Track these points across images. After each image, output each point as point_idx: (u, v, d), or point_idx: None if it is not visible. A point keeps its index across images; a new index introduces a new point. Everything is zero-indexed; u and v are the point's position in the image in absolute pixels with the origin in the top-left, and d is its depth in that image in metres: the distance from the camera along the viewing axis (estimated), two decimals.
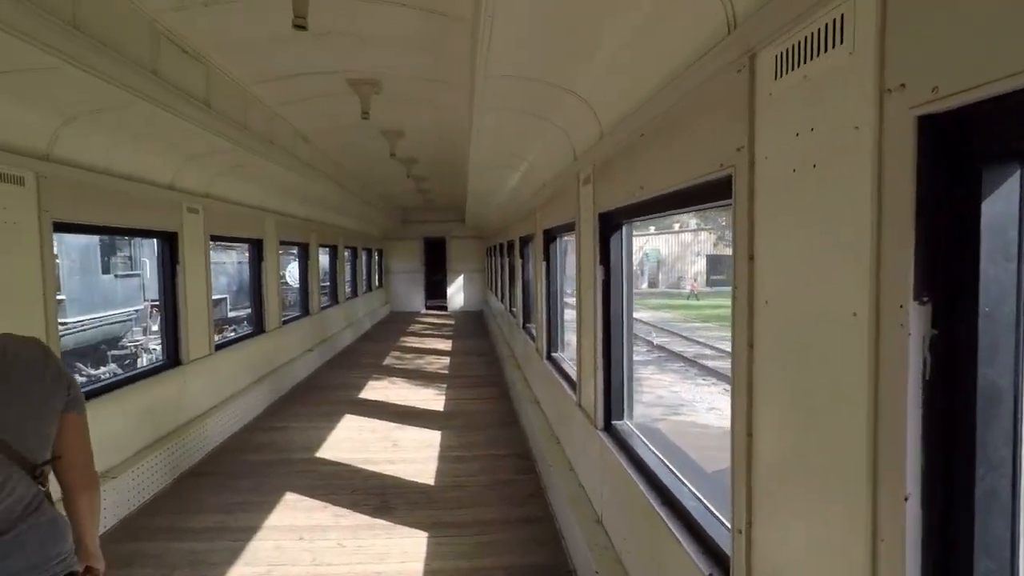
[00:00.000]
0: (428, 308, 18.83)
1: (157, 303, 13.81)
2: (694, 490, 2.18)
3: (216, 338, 6.19)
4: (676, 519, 2.11)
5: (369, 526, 3.98)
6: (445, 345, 12.03)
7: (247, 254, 14.50)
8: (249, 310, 14.67)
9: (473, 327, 14.88)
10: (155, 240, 5.44)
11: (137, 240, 13.94)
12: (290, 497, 4.48)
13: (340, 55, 4.32)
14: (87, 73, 2.85)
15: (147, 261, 14.49)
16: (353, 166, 8.71)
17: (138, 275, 14.54)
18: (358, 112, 5.13)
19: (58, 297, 5.42)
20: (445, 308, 18.66)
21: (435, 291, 19.07)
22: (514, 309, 9.07)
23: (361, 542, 3.78)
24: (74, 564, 1.39)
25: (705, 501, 2.09)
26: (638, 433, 2.92)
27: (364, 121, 5.27)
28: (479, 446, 5.60)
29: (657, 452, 2.64)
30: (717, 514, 1.99)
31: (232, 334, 12.20)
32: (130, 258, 15.03)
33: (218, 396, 6.02)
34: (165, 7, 3.28)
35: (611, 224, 3.15)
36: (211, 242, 5.87)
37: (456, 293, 18.87)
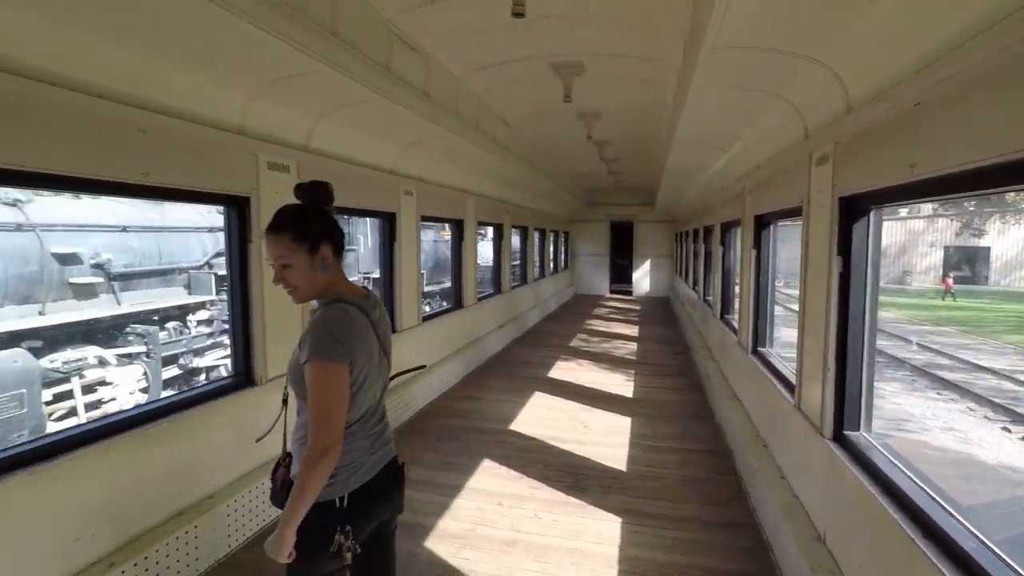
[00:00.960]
0: (612, 292, 18.70)
1: (367, 275, 15.75)
2: (971, 528, 1.80)
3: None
4: (946, 559, 1.76)
5: (563, 503, 4.08)
6: (631, 330, 11.83)
7: (440, 234, 15.74)
8: (440, 286, 16.03)
9: (660, 313, 14.43)
10: (369, 220, 6.07)
11: (353, 219, 15.93)
12: (488, 464, 4.78)
13: (546, 40, 4.36)
14: (342, 74, 3.24)
15: (361, 238, 16.42)
16: (547, 149, 8.88)
17: (353, 250, 16.52)
18: (558, 96, 5.17)
19: None
20: (630, 293, 18.36)
21: (620, 275, 18.82)
22: (709, 298, 8.55)
23: (556, 517, 3.88)
24: None
25: (990, 543, 1.71)
26: (881, 449, 2.52)
27: (563, 105, 5.31)
28: (672, 438, 5.39)
29: (911, 473, 2.24)
30: (1011, 562, 1.62)
31: (427, 308, 13.40)
32: (347, 235, 17.17)
33: (423, 361, 6.62)
34: (397, 8, 3.59)
35: (856, 210, 2.73)
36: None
37: (642, 278, 18.43)
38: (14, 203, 8.00)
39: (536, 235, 13.63)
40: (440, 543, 3.56)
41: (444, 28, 4.02)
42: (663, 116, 6.14)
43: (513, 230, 11.45)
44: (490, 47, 4.49)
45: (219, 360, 11.20)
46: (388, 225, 5.86)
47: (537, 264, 14.07)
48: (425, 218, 6.55)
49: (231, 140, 3.48)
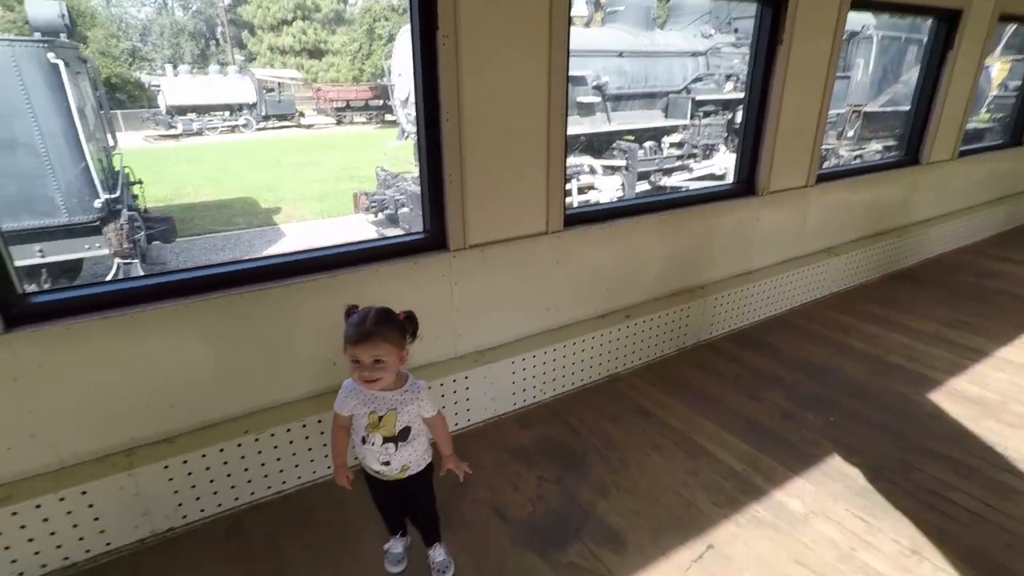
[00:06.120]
0: None
1: (857, 108, 13.37)
2: None
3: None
4: None
5: None
6: None
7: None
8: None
9: None
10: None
11: (854, 40, 13.36)
12: None
13: None
14: None
15: (861, 62, 13.81)
16: None
17: (848, 77, 14.16)
18: None
19: None
20: None
21: None
22: None
23: None
24: None
25: None
26: None
27: None
28: None
29: None
30: None
31: None
32: (842, 58, 14.70)
33: (946, 206, 5.42)
34: None
35: None
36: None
37: None
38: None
39: None
40: (950, 401, 3.06)
41: None
42: None
43: None
44: None
45: (682, 182, 11.88)
46: (946, 29, 4.52)
47: None
48: (1007, 17, 4.77)
49: None
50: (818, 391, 3.15)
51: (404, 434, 1.69)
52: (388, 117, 29.33)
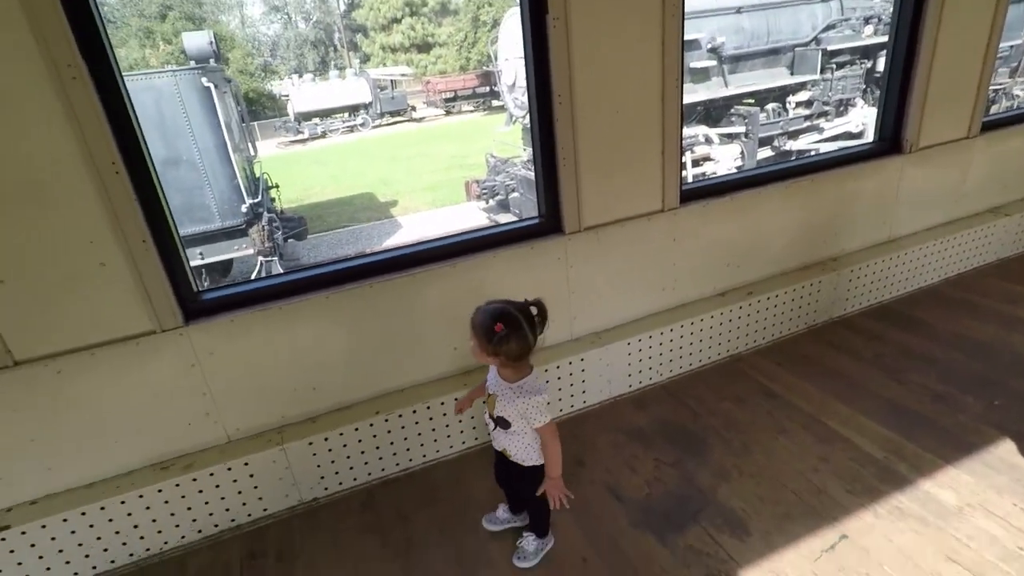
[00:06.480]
0: None
1: None
2: None
3: None
4: None
5: None
6: None
7: None
8: None
9: None
10: None
11: None
12: None
13: None
14: None
15: None
16: None
17: None
18: None
19: None
20: None
21: None
22: None
23: None
24: None
25: None
26: None
27: None
28: None
29: None
30: None
31: None
32: None
33: None
34: None
35: None
36: None
37: None
38: None
39: None
40: None
41: None
42: None
43: None
44: None
45: (812, 144, 10.84)
46: None
47: None
48: None
49: None
50: (979, 371, 2.77)
51: (501, 422, 1.77)
52: (495, 103, 29.79)
